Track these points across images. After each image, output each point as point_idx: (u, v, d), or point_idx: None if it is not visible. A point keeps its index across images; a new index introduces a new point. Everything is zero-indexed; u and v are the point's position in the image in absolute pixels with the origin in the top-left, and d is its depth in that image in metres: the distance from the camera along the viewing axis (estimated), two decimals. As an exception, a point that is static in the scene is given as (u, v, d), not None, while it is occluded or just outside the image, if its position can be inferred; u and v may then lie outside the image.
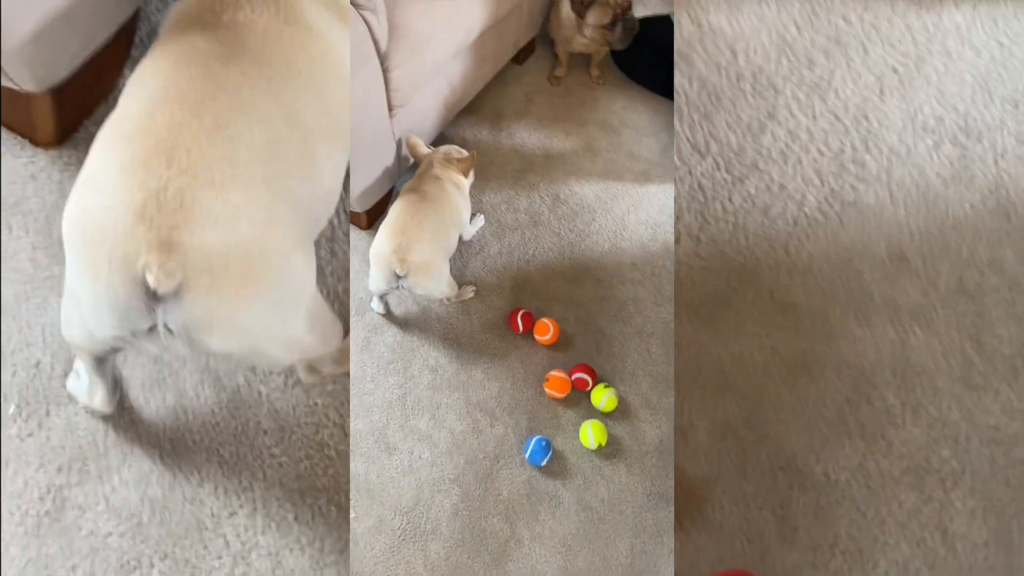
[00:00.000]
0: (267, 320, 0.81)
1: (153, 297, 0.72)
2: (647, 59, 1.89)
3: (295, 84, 0.82)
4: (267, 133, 0.76)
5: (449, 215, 1.39)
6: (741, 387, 1.08)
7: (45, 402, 1.14)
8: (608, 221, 1.70)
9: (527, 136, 1.83)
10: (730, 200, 1.07)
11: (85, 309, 0.77)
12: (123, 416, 1.13)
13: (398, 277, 1.30)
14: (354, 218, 1.58)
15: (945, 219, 1.03)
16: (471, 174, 1.51)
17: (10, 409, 1.11)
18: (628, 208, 1.72)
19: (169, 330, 0.75)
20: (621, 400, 1.44)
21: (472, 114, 1.85)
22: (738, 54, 1.10)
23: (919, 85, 1.05)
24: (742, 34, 1.06)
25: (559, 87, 1.94)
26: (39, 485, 1.09)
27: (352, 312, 1.51)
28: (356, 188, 1.41)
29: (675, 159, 1.11)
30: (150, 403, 1.15)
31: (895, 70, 1.06)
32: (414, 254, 1.29)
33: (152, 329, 0.76)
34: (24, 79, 1.08)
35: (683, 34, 1.11)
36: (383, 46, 1.24)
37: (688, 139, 1.10)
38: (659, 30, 1.81)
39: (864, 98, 1.05)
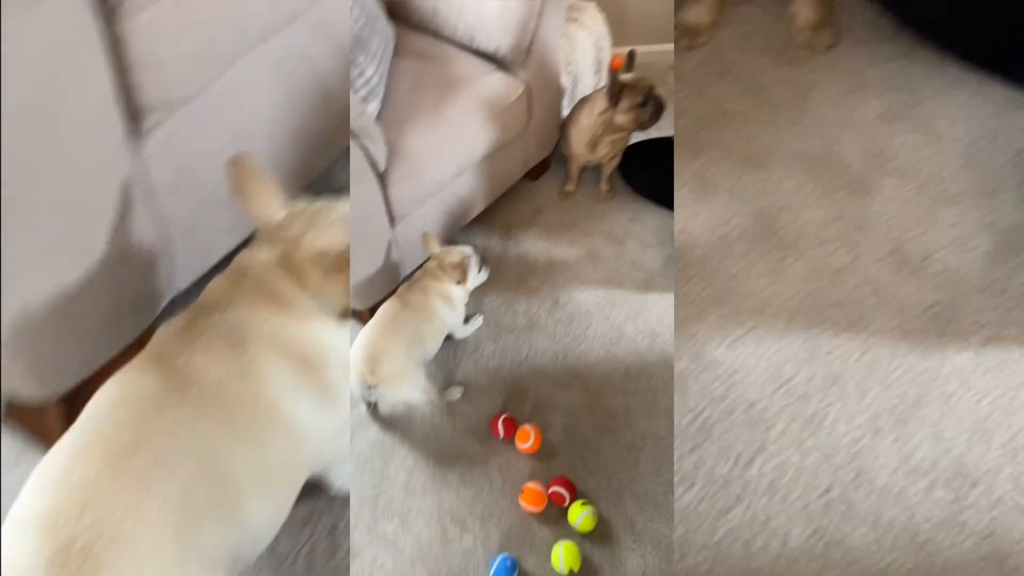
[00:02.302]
0: None
1: None
2: (652, 174, 1.98)
3: (230, 438, 0.80)
4: (186, 487, 0.76)
5: (427, 325, 1.44)
6: None
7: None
8: (605, 328, 1.69)
9: (533, 244, 1.92)
10: (711, 534, 1.04)
11: None
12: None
13: (370, 386, 1.35)
14: (357, 315, 1.69)
15: (933, 565, 0.96)
16: (474, 278, 1.59)
17: None
18: (627, 316, 1.71)
19: None
20: (602, 521, 1.33)
21: (484, 223, 1.98)
22: (733, 387, 1.11)
23: (915, 427, 1.04)
24: (739, 367, 1.09)
25: (569, 201, 2.06)
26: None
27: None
28: (356, 287, 1.53)
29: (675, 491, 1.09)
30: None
31: (891, 411, 1.04)
32: (384, 364, 1.34)
33: None
34: (24, 388, 1.05)
35: (680, 367, 1.15)
36: (381, 167, 1.40)
37: (679, 469, 1.10)
38: (663, 147, 1.93)
39: (857, 437, 1.03)
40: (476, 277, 1.60)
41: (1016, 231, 1.17)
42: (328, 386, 0.88)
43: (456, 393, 1.55)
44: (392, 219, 1.52)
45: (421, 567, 1.29)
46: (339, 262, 0.85)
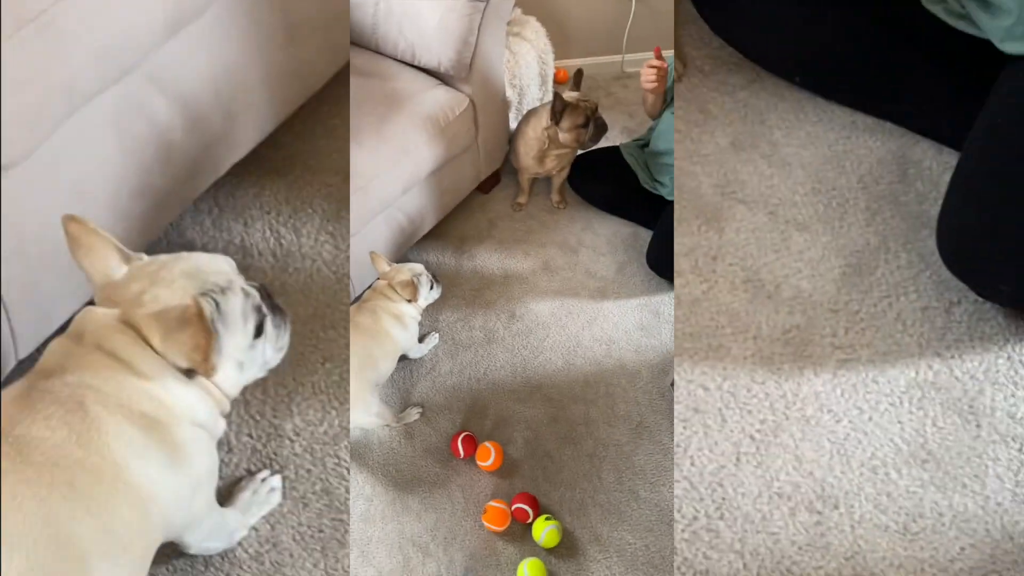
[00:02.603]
0: None
1: None
2: (603, 183, 2.00)
3: (73, 506, 0.77)
4: (30, 556, 0.73)
5: (378, 347, 1.41)
6: None
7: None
8: (562, 338, 1.69)
9: (488, 258, 1.91)
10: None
11: None
12: None
13: None
14: (307, 341, 1.63)
15: (798, 589, 0.98)
16: (426, 296, 1.56)
17: None
18: (583, 325, 1.72)
19: None
20: (567, 534, 1.31)
21: (437, 239, 1.95)
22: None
23: (776, 452, 1.05)
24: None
25: (522, 212, 2.06)
26: None
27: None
28: (303, 313, 1.47)
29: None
30: None
31: (752, 437, 1.06)
32: None
33: None
34: None
35: None
36: (323, 186, 1.37)
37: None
38: (612, 157, 1.95)
39: (720, 465, 1.05)
40: (428, 295, 1.57)
41: (865, 253, 1.20)
42: (177, 445, 0.85)
43: (414, 415, 1.51)
44: (338, 239, 1.47)
45: (383, 599, 1.24)
46: (181, 319, 0.81)
